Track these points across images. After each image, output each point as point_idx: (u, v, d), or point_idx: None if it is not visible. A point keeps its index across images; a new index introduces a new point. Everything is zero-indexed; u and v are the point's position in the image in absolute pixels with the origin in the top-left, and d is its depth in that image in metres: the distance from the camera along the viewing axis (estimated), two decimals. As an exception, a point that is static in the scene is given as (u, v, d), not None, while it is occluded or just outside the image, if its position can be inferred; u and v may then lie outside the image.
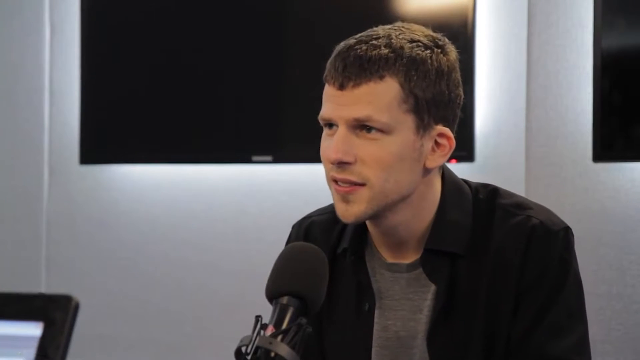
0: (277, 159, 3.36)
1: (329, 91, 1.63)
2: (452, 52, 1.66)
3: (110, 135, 3.59)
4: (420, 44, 1.62)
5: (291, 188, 3.38)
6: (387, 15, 3.12)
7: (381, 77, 1.59)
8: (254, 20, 3.40)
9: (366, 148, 1.60)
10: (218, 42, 3.44)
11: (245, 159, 3.39)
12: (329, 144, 1.63)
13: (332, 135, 1.63)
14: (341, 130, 1.61)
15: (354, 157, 1.60)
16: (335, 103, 1.61)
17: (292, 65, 3.40)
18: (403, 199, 1.64)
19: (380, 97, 1.59)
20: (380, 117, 1.59)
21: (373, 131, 1.60)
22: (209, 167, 3.50)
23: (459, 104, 1.67)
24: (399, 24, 1.67)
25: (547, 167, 3.06)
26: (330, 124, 1.64)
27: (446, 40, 1.67)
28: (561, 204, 2.95)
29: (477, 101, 3.11)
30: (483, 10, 3.14)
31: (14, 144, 3.76)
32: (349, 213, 1.63)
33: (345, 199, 1.62)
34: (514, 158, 3.09)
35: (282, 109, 3.41)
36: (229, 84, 3.43)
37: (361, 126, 1.61)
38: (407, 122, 1.61)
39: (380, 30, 1.64)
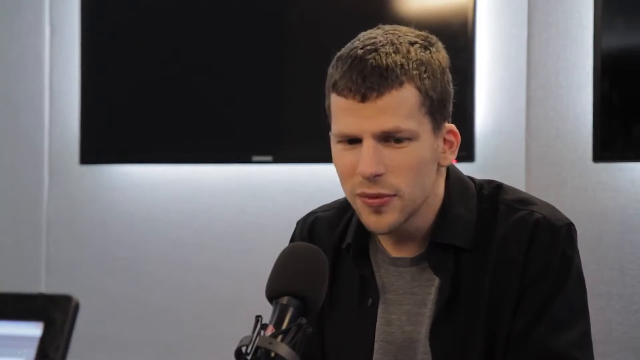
0: (277, 159, 3.36)
1: (346, 105, 1.58)
2: (442, 49, 1.66)
3: (110, 136, 3.59)
4: (418, 44, 1.62)
5: (291, 188, 3.38)
6: (388, 16, 3.12)
7: (401, 84, 1.57)
8: (253, 20, 3.40)
9: (396, 157, 1.58)
10: (218, 42, 3.44)
11: (245, 159, 3.39)
12: (351, 159, 1.60)
13: (352, 149, 1.60)
14: (369, 143, 1.58)
15: (384, 168, 1.58)
16: (358, 117, 1.57)
17: (292, 65, 3.39)
18: (425, 200, 1.65)
19: (403, 104, 1.58)
20: (406, 125, 1.58)
21: (401, 140, 1.59)
22: (209, 167, 3.50)
23: (453, 99, 1.68)
24: (386, 27, 1.65)
25: (547, 167, 3.06)
26: (351, 139, 1.60)
27: (434, 37, 1.67)
28: (561, 204, 2.90)
29: (477, 101, 3.11)
30: (483, 10, 3.13)
31: (14, 144, 3.76)
32: (381, 224, 1.62)
33: (377, 210, 1.61)
34: (514, 158, 3.09)
35: (282, 109, 3.41)
36: (229, 84, 3.43)
37: (387, 136, 1.58)
38: (427, 124, 1.61)
39: (378, 36, 1.61)
